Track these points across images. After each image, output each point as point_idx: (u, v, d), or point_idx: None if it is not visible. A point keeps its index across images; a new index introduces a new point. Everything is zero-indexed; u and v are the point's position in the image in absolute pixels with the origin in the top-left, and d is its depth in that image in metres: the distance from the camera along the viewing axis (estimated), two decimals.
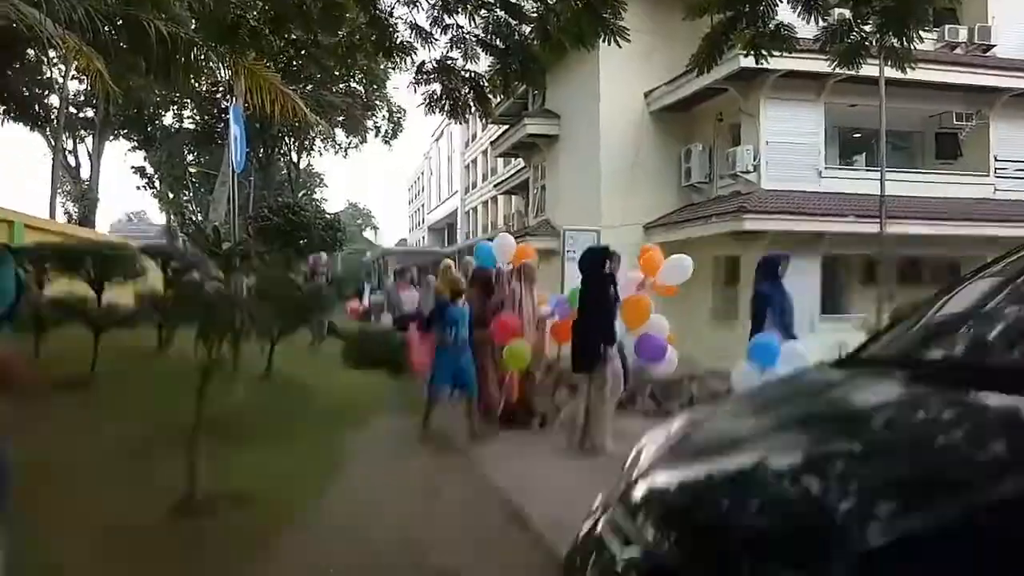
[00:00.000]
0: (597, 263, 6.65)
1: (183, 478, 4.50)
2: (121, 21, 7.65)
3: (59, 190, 28.91)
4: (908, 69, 4.64)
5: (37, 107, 27.26)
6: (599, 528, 1.93)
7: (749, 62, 4.87)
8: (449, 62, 5.04)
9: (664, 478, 1.92)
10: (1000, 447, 1.52)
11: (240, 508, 4.41)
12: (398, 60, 5.00)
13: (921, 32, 4.39)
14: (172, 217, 43.03)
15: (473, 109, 5.22)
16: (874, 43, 4.51)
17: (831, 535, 1.34)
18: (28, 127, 27.34)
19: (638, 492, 1.90)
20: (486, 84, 5.08)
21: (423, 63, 5.04)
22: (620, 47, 4.51)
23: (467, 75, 5.08)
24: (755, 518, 1.54)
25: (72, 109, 29.38)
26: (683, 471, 1.92)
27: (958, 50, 16.78)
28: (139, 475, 5.01)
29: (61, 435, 5.59)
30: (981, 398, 1.67)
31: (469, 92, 5.09)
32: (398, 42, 4.96)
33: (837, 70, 4.85)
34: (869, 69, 5.82)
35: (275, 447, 5.99)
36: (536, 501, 4.81)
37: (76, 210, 33.05)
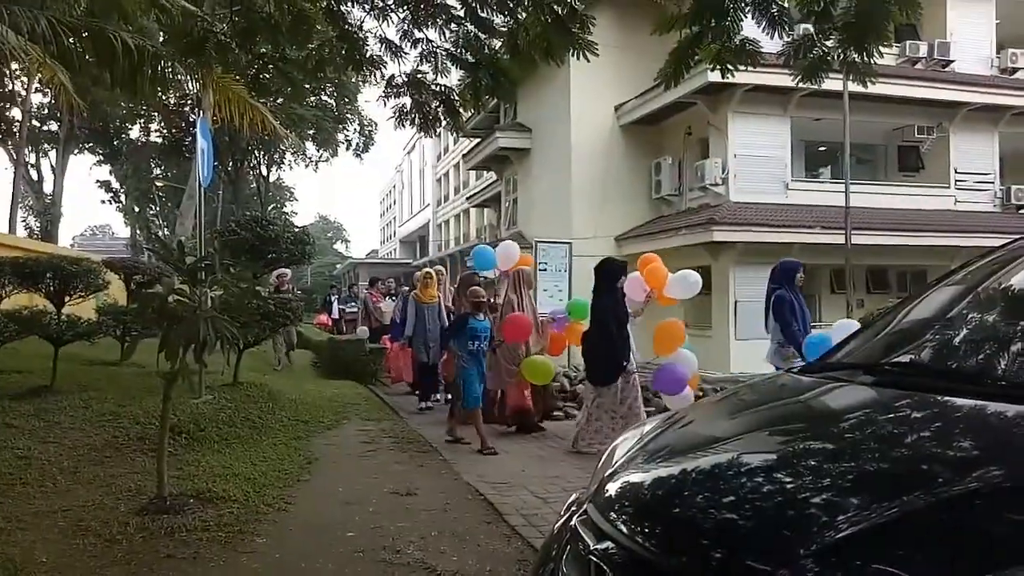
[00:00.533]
0: (614, 276, 6.56)
1: (150, 479, 4.50)
2: (86, 33, 7.52)
3: (21, 204, 28.31)
4: (869, 83, 4.73)
5: None
6: (573, 521, 1.95)
7: (717, 76, 4.92)
8: (419, 76, 5.03)
9: (638, 476, 1.95)
10: (963, 445, 1.57)
11: (210, 506, 4.41)
12: (368, 74, 4.98)
13: (882, 47, 4.48)
14: (137, 231, 42.42)
15: (443, 123, 5.21)
16: (836, 58, 4.60)
17: (801, 527, 1.37)
18: None
19: (611, 488, 1.92)
20: (456, 98, 5.07)
21: (392, 76, 5.03)
22: (589, 61, 4.54)
23: (437, 89, 5.07)
24: (726, 512, 1.57)
25: (35, 122, 28.85)
26: (656, 469, 1.96)
27: (919, 65, 17.22)
28: (106, 477, 4.98)
29: (22, 441, 5.54)
30: (944, 400, 1.72)
31: (439, 106, 5.08)
32: (368, 56, 4.94)
33: (801, 84, 4.92)
34: (834, 83, 5.93)
35: (256, 448, 5.99)
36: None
37: (38, 224, 32.40)
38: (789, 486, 1.58)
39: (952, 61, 17.27)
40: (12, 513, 4.14)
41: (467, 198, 32.90)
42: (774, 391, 2.39)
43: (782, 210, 15.61)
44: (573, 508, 2.09)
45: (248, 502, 4.54)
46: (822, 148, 18.40)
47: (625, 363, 6.41)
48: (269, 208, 38.30)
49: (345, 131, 33.40)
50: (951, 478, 1.37)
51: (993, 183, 17.41)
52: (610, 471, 2.07)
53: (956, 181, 17.12)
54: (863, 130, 16.26)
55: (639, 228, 17.95)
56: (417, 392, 9.41)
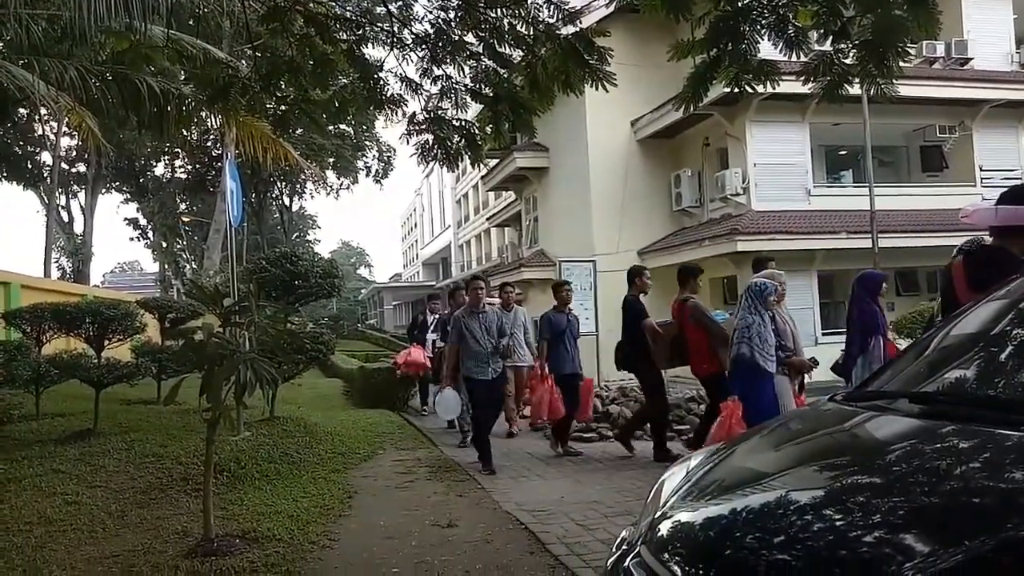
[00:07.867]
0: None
1: (195, 520, 4.61)
2: (111, 78, 7.74)
3: (53, 245, 28.98)
4: (891, 93, 4.71)
5: (29, 165, 27.44)
6: (627, 563, 1.96)
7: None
8: (440, 112, 5.11)
9: (688, 515, 1.96)
10: (1017, 478, 1.51)
11: (256, 545, 4.46)
12: (390, 112, 5.07)
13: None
14: (166, 266, 43.18)
15: (465, 157, 5.29)
16: (856, 73, 4.59)
17: (859, 568, 1.37)
18: (21, 186, 27.50)
19: (663, 529, 1.94)
20: (477, 132, 5.14)
21: (414, 114, 5.11)
22: (608, 91, 4.59)
23: (458, 124, 5.15)
24: (778, 553, 1.58)
25: (64, 165, 29.60)
26: (706, 508, 1.97)
27: (936, 65, 17.06)
28: (153, 520, 5.07)
29: (71, 485, 5.68)
30: (993, 431, 1.68)
31: (460, 140, 5.16)
32: (388, 95, 5.04)
33: (823, 101, 4.92)
34: (851, 88, 5.90)
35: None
36: None
37: (70, 264, 33.14)
38: (840, 524, 1.57)
39: (971, 59, 17.10)
40: (65, 560, 4.23)
41: (487, 218, 33.07)
42: (820, 421, 2.37)
43: (805, 217, 15.53)
44: (624, 548, 2.11)
45: (293, 540, 4.58)
46: (842, 152, 18.28)
47: None
48: (292, 236, 38.81)
49: (364, 158, 33.87)
50: (1015, 519, 1.32)
51: (1020, 178, 17.12)
52: (661, 510, 2.10)
53: (982, 179, 16.89)
54: (883, 132, 16.13)
55: (661, 241, 17.93)
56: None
